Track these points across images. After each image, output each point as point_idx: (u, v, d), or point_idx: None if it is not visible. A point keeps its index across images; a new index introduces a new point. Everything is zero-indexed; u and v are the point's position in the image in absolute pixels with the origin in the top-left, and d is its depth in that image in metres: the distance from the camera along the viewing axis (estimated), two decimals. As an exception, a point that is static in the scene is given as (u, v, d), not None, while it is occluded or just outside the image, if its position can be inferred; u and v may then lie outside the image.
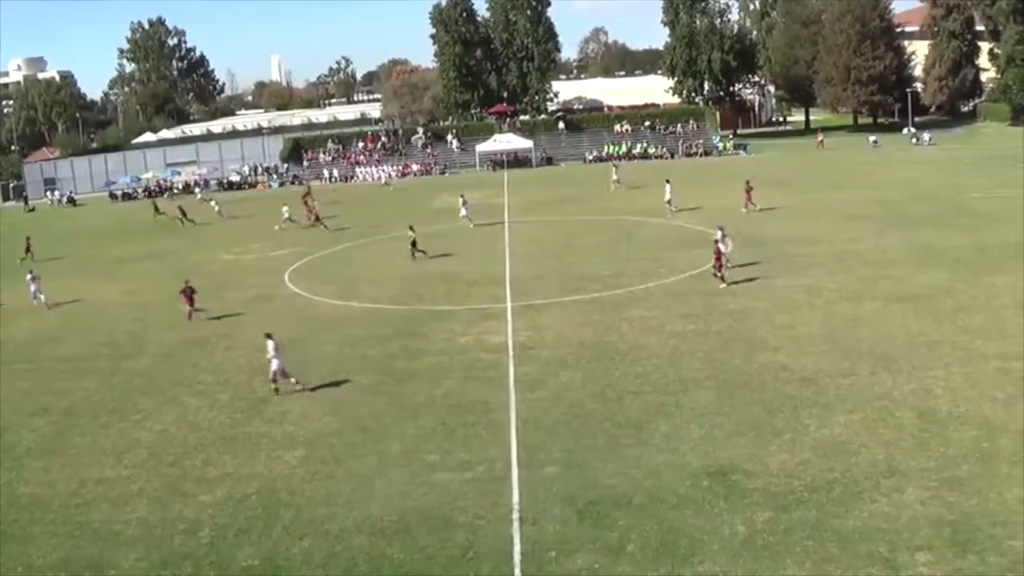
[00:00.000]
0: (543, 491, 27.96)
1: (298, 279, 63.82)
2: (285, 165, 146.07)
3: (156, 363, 46.66)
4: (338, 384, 40.41)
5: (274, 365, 39.37)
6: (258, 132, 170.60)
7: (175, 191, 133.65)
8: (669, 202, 77.37)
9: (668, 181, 78.87)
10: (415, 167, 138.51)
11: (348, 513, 27.87)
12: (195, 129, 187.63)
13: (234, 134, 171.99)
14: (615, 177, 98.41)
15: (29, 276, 63.65)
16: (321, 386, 40.07)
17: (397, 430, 34.33)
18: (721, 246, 52.18)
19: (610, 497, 27.25)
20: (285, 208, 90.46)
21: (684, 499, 26.71)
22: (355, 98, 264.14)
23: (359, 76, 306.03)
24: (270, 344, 39.51)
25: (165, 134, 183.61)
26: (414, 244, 66.68)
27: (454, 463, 30.76)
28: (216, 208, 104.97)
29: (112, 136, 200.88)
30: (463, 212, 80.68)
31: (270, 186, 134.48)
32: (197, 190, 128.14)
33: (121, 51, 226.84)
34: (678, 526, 25.23)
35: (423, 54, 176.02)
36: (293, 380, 39.79)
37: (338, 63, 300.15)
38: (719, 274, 51.81)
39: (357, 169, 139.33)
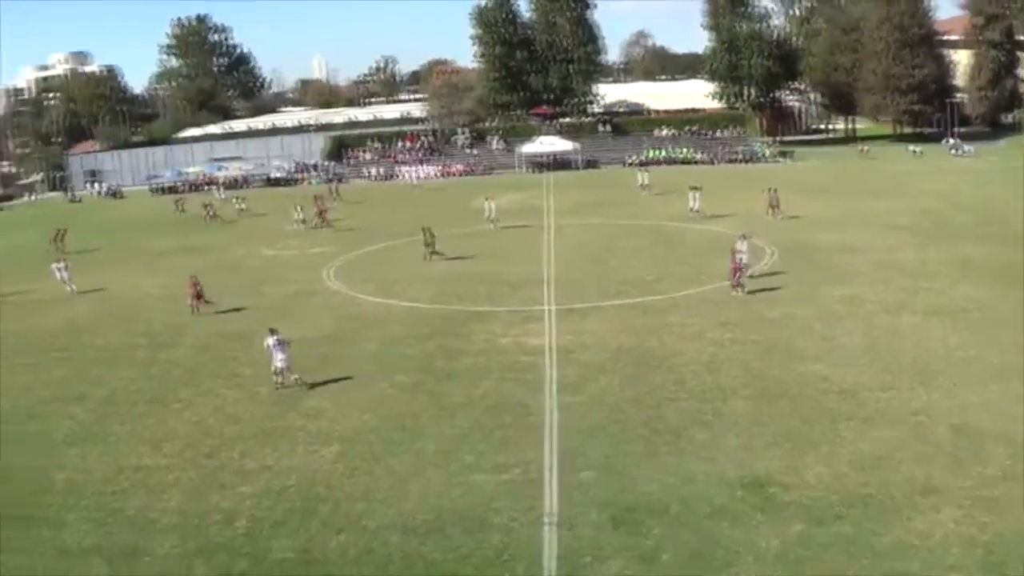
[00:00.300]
0: (579, 496, 27.95)
1: (338, 276, 64.13)
2: (328, 163, 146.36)
3: (194, 354, 47.01)
4: (377, 382, 40.46)
5: (277, 361, 39.64)
6: (301, 129, 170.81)
7: (213, 187, 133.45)
8: (694, 209, 77.38)
9: (695, 188, 78.83)
10: (459, 167, 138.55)
11: (384, 510, 27.97)
12: (239, 125, 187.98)
13: (277, 131, 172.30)
14: (644, 182, 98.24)
15: (57, 264, 65.05)
16: (328, 380, 40.29)
17: (435, 429, 34.45)
18: (740, 255, 52.20)
19: (646, 504, 27.23)
20: (297, 207, 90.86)
21: (720, 509, 26.65)
22: (398, 97, 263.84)
23: (402, 75, 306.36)
24: (272, 340, 39.78)
25: (210, 129, 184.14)
26: (429, 245, 66.97)
27: (490, 464, 30.80)
28: (239, 206, 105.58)
29: (156, 130, 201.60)
30: (490, 214, 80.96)
31: (311, 183, 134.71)
32: (214, 189, 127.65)
33: (163, 47, 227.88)
34: (713, 536, 25.18)
35: (465, 54, 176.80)
36: (294, 377, 40.06)
37: (380, 62, 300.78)
38: (735, 282, 51.74)
39: (398, 168, 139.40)
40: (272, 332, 40.24)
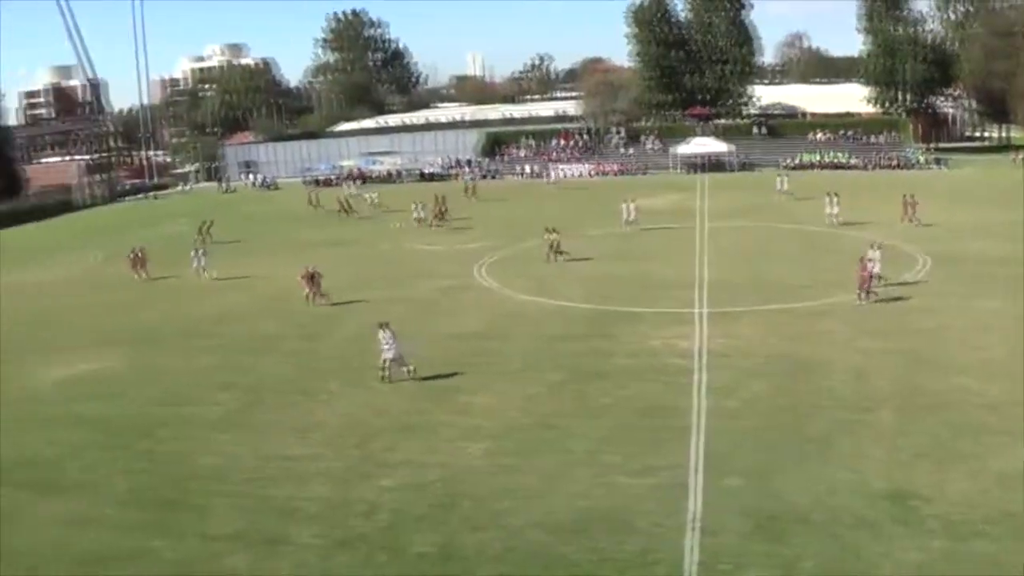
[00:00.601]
0: (723, 501, 28.03)
1: (489, 272, 64.85)
2: (481, 159, 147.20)
3: (344, 346, 48.00)
4: (526, 380, 40.95)
5: (388, 354, 40.35)
6: (455, 125, 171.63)
7: (348, 182, 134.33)
8: (831, 214, 76.91)
9: (833, 193, 78.13)
10: (613, 167, 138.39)
11: (527, 509, 28.28)
12: (393, 120, 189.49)
13: (431, 126, 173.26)
14: (783, 187, 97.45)
15: (197, 252, 69.45)
16: (478, 377, 40.82)
17: (582, 430, 34.73)
18: (873, 264, 51.77)
19: (789, 512, 27.24)
20: (416, 206, 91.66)
21: (862, 520, 26.54)
22: (552, 95, 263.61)
23: (557, 73, 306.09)
24: (384, 334, 40.48)
25: (364, 123, 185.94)
26: (553, 246, 67.20)
27: (637, 467, 30.96)
28: (371, 200, 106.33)
29: (310, 123, 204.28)
30: (628, 216, 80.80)
31: (463, 179, 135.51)
32: (347, 184, 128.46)
33: (319, 40, 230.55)
34: (854, 548, 25.14)
35: (621, 53, 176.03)
36: (405, 369, 40.82)
37: (535, 60, 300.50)
38: (865, 290, 51.22)
39: (552, 166, 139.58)
40: (383, 326, 40.99)
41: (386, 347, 40.88)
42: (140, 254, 72.10)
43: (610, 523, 27.11)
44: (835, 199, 77.45)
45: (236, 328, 53.54)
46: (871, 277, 51.43)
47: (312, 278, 56.88)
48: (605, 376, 40.97)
